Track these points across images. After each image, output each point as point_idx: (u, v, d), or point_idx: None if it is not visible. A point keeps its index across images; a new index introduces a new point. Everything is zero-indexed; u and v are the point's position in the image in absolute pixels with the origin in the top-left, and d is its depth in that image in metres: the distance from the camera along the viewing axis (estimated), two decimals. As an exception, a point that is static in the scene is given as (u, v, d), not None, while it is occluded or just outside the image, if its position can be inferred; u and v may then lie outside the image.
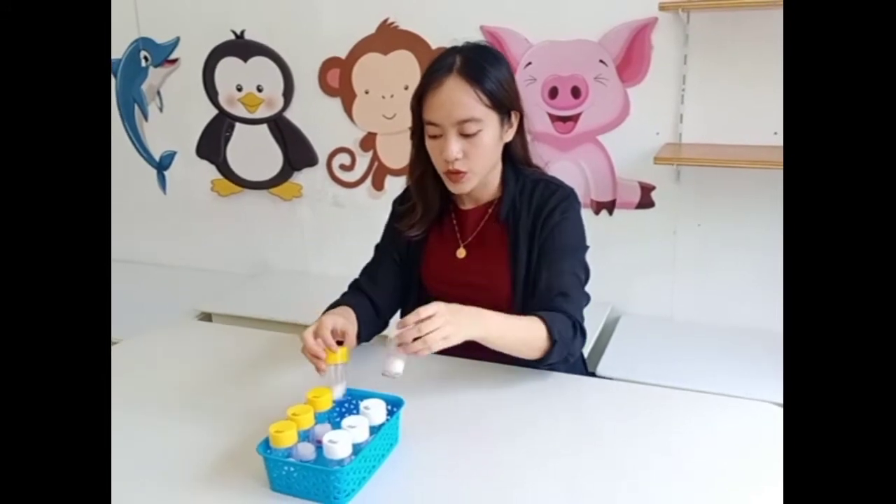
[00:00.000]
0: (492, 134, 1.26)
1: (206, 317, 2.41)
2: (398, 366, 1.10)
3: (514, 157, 1.35)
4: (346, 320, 1.26)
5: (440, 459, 1.06)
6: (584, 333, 1.25)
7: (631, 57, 2.16)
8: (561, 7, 2.19)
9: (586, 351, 1.96)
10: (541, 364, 1.22)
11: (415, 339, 1.05)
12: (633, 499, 0.97)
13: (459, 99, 1.22)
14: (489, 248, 1.35)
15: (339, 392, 1.12)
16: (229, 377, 1.31)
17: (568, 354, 1.23)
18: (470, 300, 1.36)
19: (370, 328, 1.37)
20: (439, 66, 1.25)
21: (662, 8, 2.00)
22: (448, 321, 1.07)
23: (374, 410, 1.06)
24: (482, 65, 1.24)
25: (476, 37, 2.26)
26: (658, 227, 2.26)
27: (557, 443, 1.10)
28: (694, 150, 2.10)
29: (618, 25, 2.14)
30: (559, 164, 2.31)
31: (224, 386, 1.28)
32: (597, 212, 2.31)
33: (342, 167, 2.60)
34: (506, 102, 1.26)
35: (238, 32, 2.58)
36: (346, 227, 2.61)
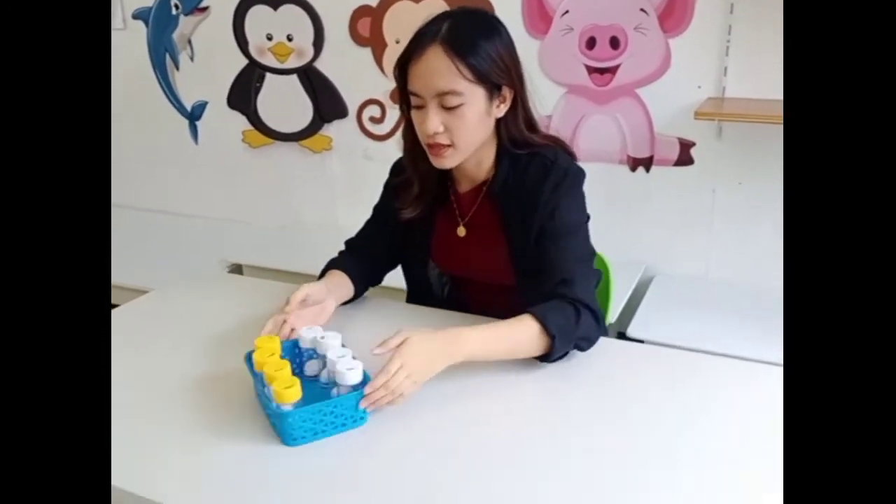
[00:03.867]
0: (476, 109, 1.17)
1: (237, 268, 2.42)
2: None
3: (506, 135, 1.25)
4: (328, 290, 1.28)
5: (423, 428, 1.03)
6: (594, 314, 1.18)
7: (674, 6, 2.06)
8: (601, -48, 2.09)
9: (617, 312, 1.93)
10: (549, 359, 1.15)
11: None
12: (661, 465, 0.94)
13: (440, 70, 1.13)
14: (485, 228, 1.31)
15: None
16: (255, 329, 1.31)
17: (580, 340, 1.17)
18: (473, 279, 1.35)
19: (364, 285, 1.41)
20: (423, 32, 1.16)
21: (709, -47, 1.89)
22: (415, 365, 1.02)
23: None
24: (471, 35, 1.15)
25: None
26: (697, 184, 2.19)
27: (579, 412, 1.07)
28: (737, 105, 2.00)
29: (661, -28, 2.04)
30: (595, 117, 2.23)
31: (248, 336, 1.28)
32: (633, 168, 2.24)
33: (372, 119, 2.56)
34: (494, 76, 1.16)
35: (268, -21, 2.53)
36: (376, 179, 2.56)
